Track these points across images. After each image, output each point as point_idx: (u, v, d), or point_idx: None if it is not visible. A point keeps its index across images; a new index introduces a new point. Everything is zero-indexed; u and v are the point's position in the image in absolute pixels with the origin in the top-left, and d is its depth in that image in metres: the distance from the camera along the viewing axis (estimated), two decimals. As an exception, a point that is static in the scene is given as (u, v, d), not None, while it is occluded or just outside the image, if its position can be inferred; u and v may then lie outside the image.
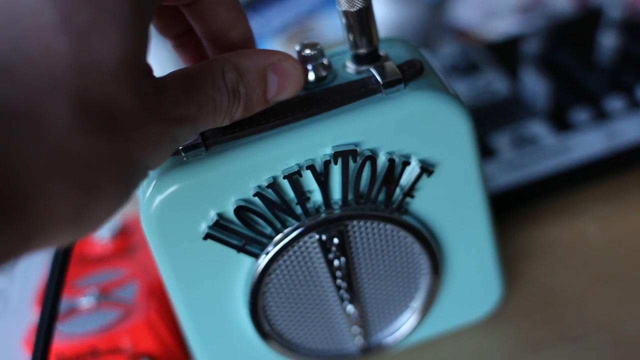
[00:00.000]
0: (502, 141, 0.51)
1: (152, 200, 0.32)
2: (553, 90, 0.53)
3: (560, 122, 0.51)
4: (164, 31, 0.34)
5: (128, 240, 0.47)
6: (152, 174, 0.33)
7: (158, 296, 0.42)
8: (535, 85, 0.53)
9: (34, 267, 0.51)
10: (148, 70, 0.25)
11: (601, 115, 0.51)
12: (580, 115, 0.51)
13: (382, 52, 0.35)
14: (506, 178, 0.48)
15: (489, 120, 0.53)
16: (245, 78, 0.29)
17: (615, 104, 0.51)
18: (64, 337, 0.40)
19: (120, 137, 0.23)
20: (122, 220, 0.48)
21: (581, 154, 0.49)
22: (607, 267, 0.44)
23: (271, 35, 0.66)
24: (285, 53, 0.31)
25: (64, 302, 0.41)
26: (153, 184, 0.32)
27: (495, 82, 0.56)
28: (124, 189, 0.24)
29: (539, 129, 0.51)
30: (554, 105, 0.53)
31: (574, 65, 0.55)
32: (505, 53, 0.58)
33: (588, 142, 0.50)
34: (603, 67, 0.55)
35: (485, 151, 0.50)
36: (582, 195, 0.49)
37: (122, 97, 0.23)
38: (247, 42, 0.33)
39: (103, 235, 0.46)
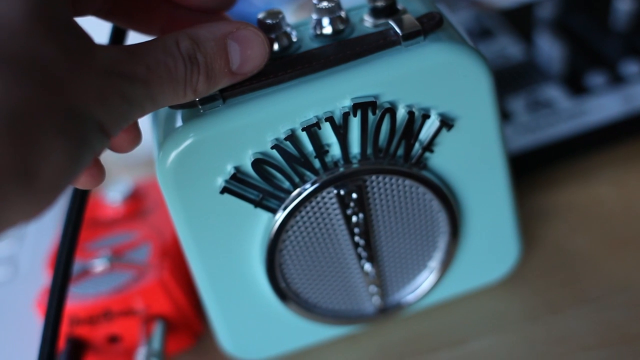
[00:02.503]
0: (517, 105, 0.50)
1: (167, 153, 0.32)
2: (568, 54, 0.52)
3: (576, 86, 0.51)
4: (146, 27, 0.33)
5: (140, 203, 0.46)
6: (166, 128, 0.32)
7: (172, 258, 0.42)
8: (550, 50, 0.52)
9: (45, 231, 0.50)
10: (70, 24, 0.25)
11: (617, 79, 0.50)
12: (596, 79, 0.50)
13: (399, 6, 0.34)
14: (522, 141, 0.47)
15: (504, 85, 0.52)
16: (202, 46, 0.28)
17: (630, 68, 0.51)
18: (77, 298, 0.40)
19: (49, 85, 0.23)
20: (135, 183, 0.47)
21: (597, 118, 0.48)
22: (623, 230, 0.44)
23: (281, 3, 0.66)
24: (245, 22, 0.30)
25: (76, 265, 0.41)
26: (168, 137, 0.32)
27: (509, 47, 0.55)
28: (71, 141, 0.23)
29: (554, 93, 0.50)
30: (569, 69, 0.52)
31: (589, 30, 0.55)
32: (519, 18, 0.57)
33: (604, 106, 0.49)
34: (618, 31, 0.54)
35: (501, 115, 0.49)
36: (598, 159, 0.49)
37: (42, 47, 0.23)
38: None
39: (115, 199, 0.46)
